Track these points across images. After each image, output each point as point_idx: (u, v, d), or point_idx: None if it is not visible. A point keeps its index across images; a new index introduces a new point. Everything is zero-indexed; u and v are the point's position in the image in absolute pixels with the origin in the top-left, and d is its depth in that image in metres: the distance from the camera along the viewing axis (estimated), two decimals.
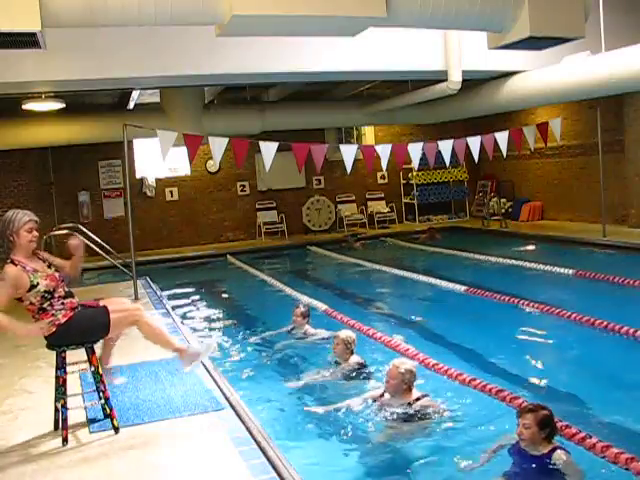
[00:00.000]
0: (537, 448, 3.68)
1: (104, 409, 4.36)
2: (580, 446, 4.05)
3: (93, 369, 4.29)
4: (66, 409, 4.14)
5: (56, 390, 4.26)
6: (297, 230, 16.74)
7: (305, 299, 8.89)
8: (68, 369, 4.27)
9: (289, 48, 8.72)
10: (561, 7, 6.42)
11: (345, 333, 6.02)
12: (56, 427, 4.33)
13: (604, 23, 8.48)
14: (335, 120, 14.87)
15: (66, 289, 4.30)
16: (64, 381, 4.22)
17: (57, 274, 4.28)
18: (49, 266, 4.27)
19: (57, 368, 4.23)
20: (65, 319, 4.16)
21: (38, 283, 4.08)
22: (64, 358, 4.24)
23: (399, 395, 4.82)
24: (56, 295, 4.18)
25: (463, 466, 4.00)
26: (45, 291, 4.11)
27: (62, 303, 4.19)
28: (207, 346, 4.82)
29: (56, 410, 4.32)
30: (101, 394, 4.31)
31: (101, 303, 4.45)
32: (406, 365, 4.88)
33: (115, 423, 4.27)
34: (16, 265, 4.07)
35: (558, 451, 3.66)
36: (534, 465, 3.66)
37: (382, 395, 4.98)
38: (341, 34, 6.75)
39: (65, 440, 4.10)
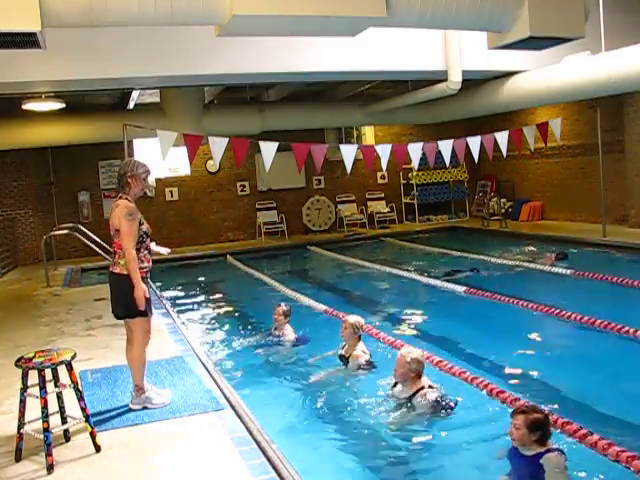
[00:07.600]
0: (529, 449, 3.61)
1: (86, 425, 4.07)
2: (582, 444, 4.06)
3: (73, 386, 4.05)
4: (50, 433, 3.82)
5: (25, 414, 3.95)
6: (297, 230, 16.74)
7: (305, 299, 8.90)
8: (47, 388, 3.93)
9: (289, 48, 8.72)
10: (561, 7, 6.42)
11: (354, 318, 6.06)
12: (17, 458, 3.94)
13: (604, 23, 8.49)
14: (335, 120, 14.87)
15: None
16: (45, 402, 3.85)
17: None
18: None
19: (40, 388, 3.87)
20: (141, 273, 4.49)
21: (143, 223, 4.58)
22: (44, 377, 3.92)
23: (408, 383, 4.88)
24: (147, 242, 4.60)
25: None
26: (145, 232, 4.58)
27: (145, 255, 4.59)
28: (160, 398, 4.79)
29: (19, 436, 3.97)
30: (82, 412, 4.06)
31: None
32: (412, 354, 4.91)
33: (97, 441, 4.04)
34: (130, 202, 4.55)
35: (549, 454, 3.56)
36: (525, 465, 3.62)
37: (395, 385, 5.04)
38: (341, 34, 6.74)
39: (51, 467, 3.77)
